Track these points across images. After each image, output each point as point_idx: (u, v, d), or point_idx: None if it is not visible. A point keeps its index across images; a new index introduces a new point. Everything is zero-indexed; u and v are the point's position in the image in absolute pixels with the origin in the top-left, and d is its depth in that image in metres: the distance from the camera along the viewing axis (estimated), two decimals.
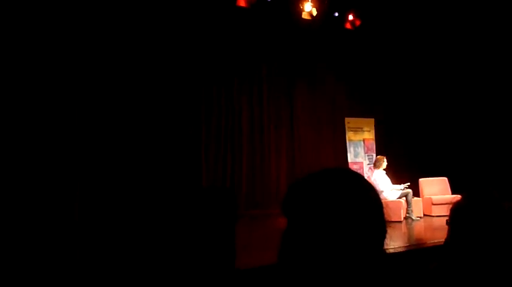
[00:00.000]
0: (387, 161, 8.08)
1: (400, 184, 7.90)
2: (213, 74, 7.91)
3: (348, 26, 8.90)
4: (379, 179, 7.85)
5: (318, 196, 0.80)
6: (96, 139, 5.99)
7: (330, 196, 0.79)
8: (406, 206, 7.72)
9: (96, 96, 6.13)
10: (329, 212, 0.78)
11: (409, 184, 7.87)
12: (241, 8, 7.80)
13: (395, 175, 8.23)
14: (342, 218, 0.77)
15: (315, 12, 8.18)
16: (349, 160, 9.47)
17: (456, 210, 1.20)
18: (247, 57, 8.33)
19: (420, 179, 8.71)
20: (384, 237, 0.83)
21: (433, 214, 7.83)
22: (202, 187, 6.90)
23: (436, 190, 8.43)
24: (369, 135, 9.80)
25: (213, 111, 7.95)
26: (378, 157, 8.18)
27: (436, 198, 8.00)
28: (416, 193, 8.41)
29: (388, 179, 7.93)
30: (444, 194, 8.15)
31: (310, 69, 9.12)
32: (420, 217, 7.84)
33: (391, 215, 7.14)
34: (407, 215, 7.71)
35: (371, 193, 0.86)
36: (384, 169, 7.95)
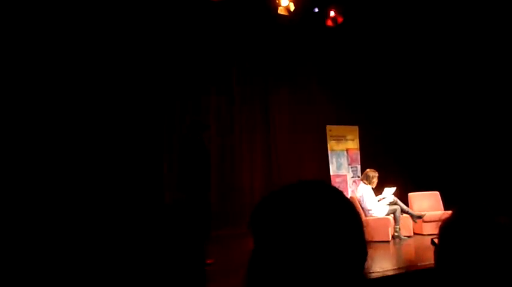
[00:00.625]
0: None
1: (385, 191, 7.94)
2: (178, 73, 7.87)
3: (330, 23, 8.94)
4: (367, 195, 7.90)
5: (289, 212, 0.80)
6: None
7: (302, 213, 0.80)
8: (393, 224, 7.78)
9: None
10: (301, 231, 0.78)
11: (395, 188, 7.92)
12: (210, 1, 7.81)
13: (382, 188, 8.23)
14: (316, 238, 0.78)
15: (292, 7, 8.19)
16: (331, 172, 9.47)
17: (445, 227, 1.21)
18: (217, 55, 8.32)
19: (410, 194, 8.80)
20: (364, 260, 0.83)
21: (424, 233, 7.86)
22: (165, 202, 7.01)
23: (427, 205, 8.49)
24: (353, 144, 9.81)
25: (176, 112, 7.83)
26: (369, 170, 8.14)
27: (427, 215, 8.03)
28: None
29: (374, 195, 8.01)
30: (436, 210, 8.21)
31: (289, 71, 9.18)
32: (409, 236, 7.89)
33: (374, 235, 7.40)
34: (395, 234, 7.75)
35: (350, 210, 0.85)
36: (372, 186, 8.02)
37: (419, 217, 7.88)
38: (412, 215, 7.90)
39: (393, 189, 7.94)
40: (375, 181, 8.00)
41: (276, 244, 0.78)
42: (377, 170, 8.20)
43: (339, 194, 0.86)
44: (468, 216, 1.17)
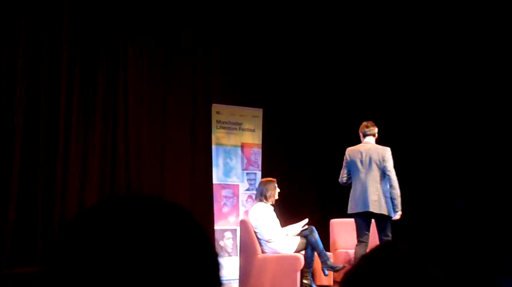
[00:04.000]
0: (280, 188, 8.39)
1: (294, 223, 8.26)
2: None
3: None
4: (264, 217, 8.12)
5: (90, 252, 0.85)
6: None
7: (112, 253, 0.84)
8: (303, 265, 7.93)
9: None
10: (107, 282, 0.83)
11: (307, 220, 8.20)
12: None
13: (290, 210, 8.59)
14: None
15: None
16: (215, 180, 9.55)
17: (349, 280, 1.32)
18: None
19: (332, 221, 9.06)
20: None
21: None
22: None
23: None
24: (252, 137, 9.99)
25: None
26: (264, 180, 8.52)
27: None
28: (325, 244, 8.57)
29: (277, 220, 8.25)
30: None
31: (155, 24, 9.31)
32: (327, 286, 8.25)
33: (274, 283, 7.82)
34: (304, 281, 7.94)
35: (197, 245, 0.89)
36: (272, 204, 8.27)
37: (334, 269, 8.05)
38: (323, 262, 7.97)
39: (303, 223, 8.19)
40: (274, 194, 8.23)
41: None
42: (285, 181, 8.56)
43: (183, 221, 0.91)
44: (378, 266, 1.27)
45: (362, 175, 7.56)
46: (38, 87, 8.46)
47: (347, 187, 9.80)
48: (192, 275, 0.86)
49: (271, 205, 8.21)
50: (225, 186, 9.62)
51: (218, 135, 9.71)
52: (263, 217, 8.06)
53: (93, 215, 0.90)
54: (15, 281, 7.35)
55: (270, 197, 8.17)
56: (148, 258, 0.84)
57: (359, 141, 8.57)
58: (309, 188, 9.84)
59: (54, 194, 8.39)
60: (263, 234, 8.03)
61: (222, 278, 0.91)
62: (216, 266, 0.91)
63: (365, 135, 7.74)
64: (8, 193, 8.05)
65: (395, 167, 7.66)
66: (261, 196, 8.19)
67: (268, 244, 8.02)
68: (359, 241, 7.53)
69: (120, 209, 0.90)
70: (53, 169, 8.46)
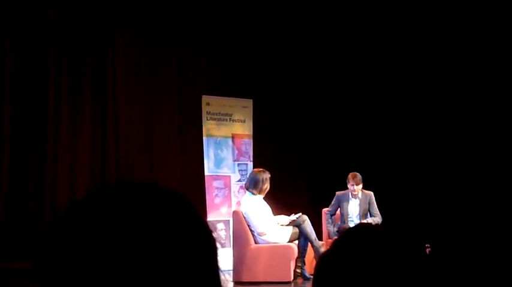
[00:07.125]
0: (271, 178, 8.39)
1: (288, 215, 8.29)
2: None
3: None
4: (255, 210, 8.16)
5: (90, 236, 0.86)
6: None
7: (113, 238, 0.85)
8: (296, 255, 8.04)
9: None
10: (109, 269, 0.84)
11: (300, 214, 8.22)
12: None
13: (281, 200, 8.54)
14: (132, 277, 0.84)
15: None
16: (207, 172, 9.61)
17: (322, 263, 1.34)
18: None
19: (324, 210, 9.11)
20: None
21: None
22: None
23: None
24: (243, 128, 10.03)
25: None
26: (256, 171, 8.48)
27: None
28: (318, 234, 8.59)
29: (269, 210, 8.26)
30: None
31: (141, 11, 9.27)
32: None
33: (267, 272, 7.88)
34: (297, 270, 8.05)
35: (195, 230, 0.91)
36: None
37: (307, 279, 7.96)
38: (316, 250, 7.98)
39: (298, 214, 8.23)
40: (267, 187, 8.22)
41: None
42: (276, 171, 8.50)
43: (178, 205, 0.92)
44: (352, 247, 1.30)
45: None
46: (26, 75, 8.42)
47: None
48: (189, 260, 0.87)
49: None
50: (216, 177, 9.64)
51: (208, 126, 9.72)
52: (255, 211, 8.07)
53: (85, 206, 0.90)
54: (6, 276, 7.44)
55: (265, 190, 8.18)
56: (144, 247, 0.85)
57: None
58: (300, 178, 9.85)
59: (45, 185, 8.43)
60: (256, 228, 8.06)
61: (219, 262, 0.92)
62: (212, 250, 0.92)
63: None
64: None
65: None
66: (255, 188, 8.15)
67: (260, 236, 8.08)
68: None
69: (112, 198, 0.90)
70: (43, 158, 8.48)
